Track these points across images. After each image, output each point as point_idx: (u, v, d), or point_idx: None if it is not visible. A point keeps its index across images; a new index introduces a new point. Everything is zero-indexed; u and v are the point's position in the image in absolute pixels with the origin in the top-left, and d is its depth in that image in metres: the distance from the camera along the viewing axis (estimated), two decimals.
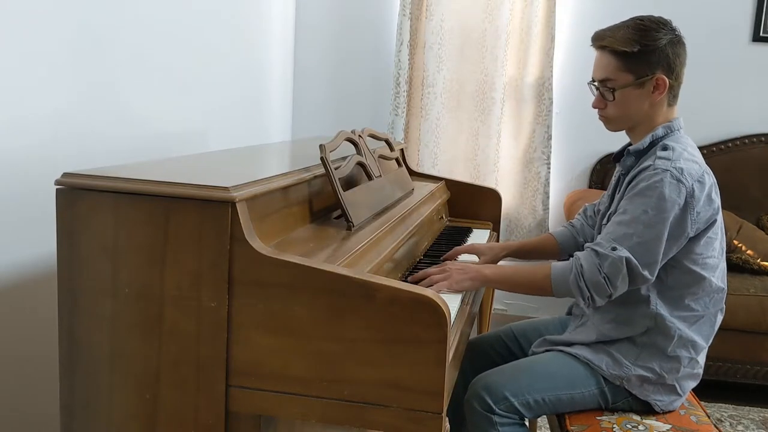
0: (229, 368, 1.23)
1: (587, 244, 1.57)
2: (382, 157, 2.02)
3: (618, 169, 1.78)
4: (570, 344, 1.68)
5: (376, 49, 3.60)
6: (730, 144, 3.40)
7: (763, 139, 3.38)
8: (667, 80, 1.61)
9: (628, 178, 1.62)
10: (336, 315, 1.18)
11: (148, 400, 1.27)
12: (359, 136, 1.82)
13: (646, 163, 1.58)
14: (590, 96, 1.74)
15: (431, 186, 2.40)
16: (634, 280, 1.52)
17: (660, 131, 1.63)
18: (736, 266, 3.02)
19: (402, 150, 2.43)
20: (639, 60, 1.60)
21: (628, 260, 1.49)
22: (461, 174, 3.47)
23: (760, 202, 3.30)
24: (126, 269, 1.25)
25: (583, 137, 3.49)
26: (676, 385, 1.62)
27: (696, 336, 1.61)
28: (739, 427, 2.66)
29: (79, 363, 1.30)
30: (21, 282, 1.77)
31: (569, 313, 1.90)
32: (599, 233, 1.76)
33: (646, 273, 1.51)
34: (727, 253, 3.00)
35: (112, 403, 1.30)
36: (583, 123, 3.46)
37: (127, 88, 2.15)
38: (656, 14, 1.68)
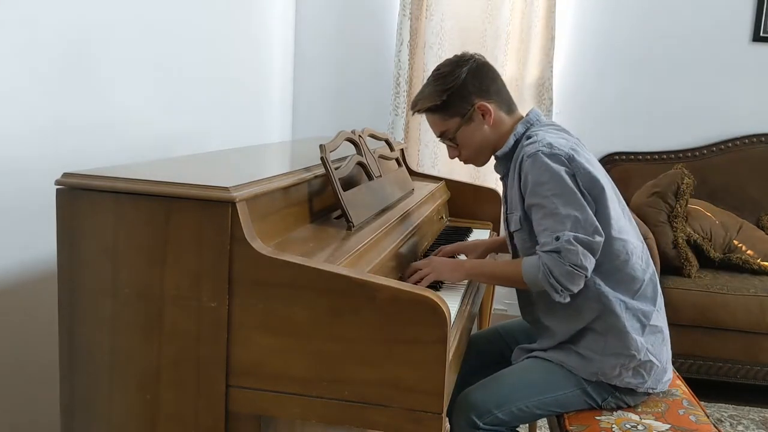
0: (229, 368, 1.23)
1: (538, 248, 1.57)
2: (382, 157, 2.02)
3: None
4: (545, 350, 1.68)
5: (376, 49, 3.60)
6: (730, 144, 3.40)
7: (763, 139, 3.38)
8: (487, 103, 1.69)
9: (512, 179, 1.66)
10: (336, 315, 1.18)
11: (148, 400, 1.27)
12: (359, 136, 1.82)
13: (519, 157, 1.63)
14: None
15: (431, 186, 2.40)
16: (593, 250, 1.52)
17: (520, 128, 1.71)
18: (736, 266, 3.02)
19: (402, 150, 2.43)
20: (453, 103, 1.69)
21: (575, 238, 1.50)
22: (461, 174, 3.46)
23: (760, 202, 3.30)
24: (126, 269, 1.25)
25: (583, 137, 3.42)
26: (652, 359, 1.61)
27: (643, 302, 1.61)
28: (739, 428, 2.66)
29: (79, 363, 1.30)
30: (21, 282, 1.77)
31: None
32: (509, 228, 1.78)
33: (596, 237, 1.52)
34: (726, 253, 3.03)
35: (112, 404, 1.30)
36: (583, 123, 3.45)
37: (127, 88, 2.15)
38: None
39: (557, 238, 1.51)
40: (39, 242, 1.76)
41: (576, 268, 1.51)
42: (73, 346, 1.29)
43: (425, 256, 1.95)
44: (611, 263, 1.59)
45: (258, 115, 3.29)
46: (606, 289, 1.59)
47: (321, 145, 1.54)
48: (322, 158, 1.53)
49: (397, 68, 3.42)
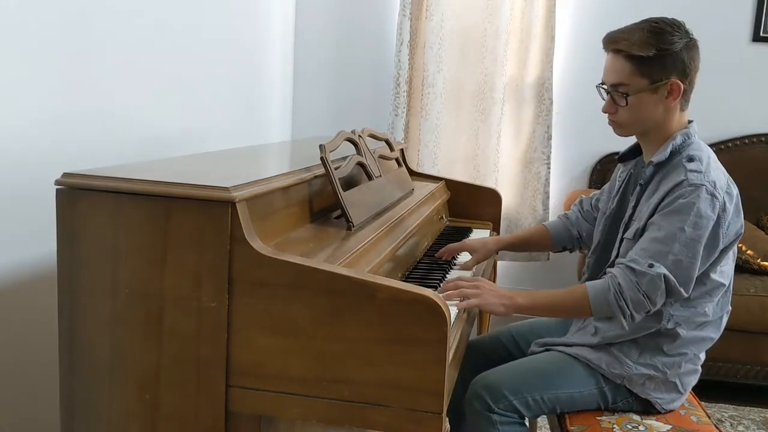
0: (229, 368, 1.23)
1: (621, 260, 1.55)
2: (382, 157, 2.02)
3: (622, 169, 1.76)
4: (570, 345, 1.68)
5: (376, 49, 3.60)
6: (730, 144, 3.40)
7: (763, 139, 3.38)
8: (681, 85, 1.57)
9: (658, 194, 1.56)
10: (336, 315, 1.18)
11: (148, 400, 1.27)
12: (359, 136, 1.82)
13: (677, 177, 1.53)
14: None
15: (431, 186, 2.40)
16: (670, 296, 1.51)
17: (679, 139, 1.59)
18: (736, 266, 3.00)
19: (402, 150, 2.43)
20: (654, 64, 1.55)
21: (666, 277, 1.48)
22: (461, 174, 3.46)
23: (760, 202, 3.30)
24: (126, 269, 1.25)
25: (583, 137, 3.49)
26: (678, 383, 1.61)
27: (702, 336, 1.61)
28: (740, 428, 2.66)
29: (79, 363, 1.30)
30: (21, 282, 1.77)
31: None
32: (602, 235, 1.76)
33: (682, 290, 1.50)
34: None
35: (112, 404, 1.30)
36: (583, 123, 3.46)
37: (128, 89, 2.15)
38: (656, 14, 1.67)
39: (651, 266, 1.49)
40: (39, 242, 1.76)
41: (647, 300, 1.49)
42: (72, 346, 1.29)
43: (425, 256, 1.95)
44: (696, 301, 1.58)
45: (258, 115, 3.28)
46: (677, 323, 1.57)
47: (321, 145, 1.53)
48: (322, 158, 1.53)
49: (397, 68, 3.42)
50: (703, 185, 1.49)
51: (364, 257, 1.45)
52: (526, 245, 2.06)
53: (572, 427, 1.58)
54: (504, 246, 2.00)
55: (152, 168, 1.48)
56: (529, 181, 3.46)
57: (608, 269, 1.59)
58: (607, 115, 1.65)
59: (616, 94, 1.61)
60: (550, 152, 3.42)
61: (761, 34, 3.35)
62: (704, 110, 3.47)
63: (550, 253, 2.92)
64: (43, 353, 1.74)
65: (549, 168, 3.42)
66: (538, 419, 2.28)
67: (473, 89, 3.48)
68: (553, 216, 3.52)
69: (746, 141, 3.39)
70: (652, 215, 1.55)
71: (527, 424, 1.65)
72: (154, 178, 1.26)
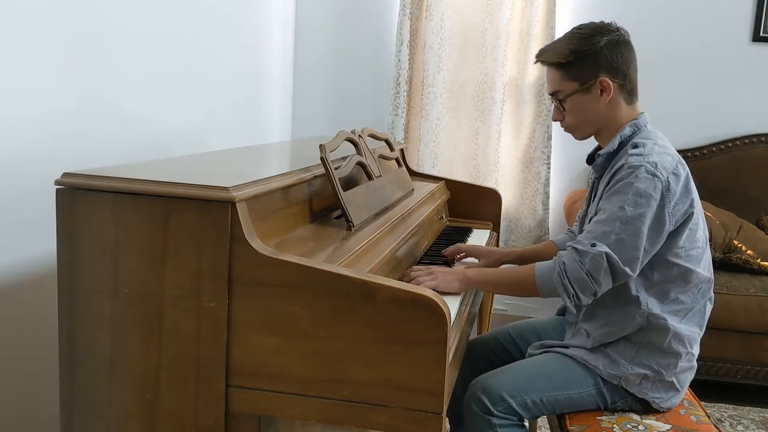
0: (229, 368, 1.23)
1: (568, 243, 1.59)
2: (382, 157, 2.02)
3: (592, 173, 1.79)
4: (567, 346, 1.68)
5: (376, 49, 3.60)
6: (730, 144, 3.40)
7: (763, 139, 3.38)
8: (611, 82, 1.62)
9: (604, 181, 1.63)
10: (336, 315, 1.18)
11: (148, 400, 1.27)
12: (359, 136, 1.82)
13: (619, 163, 1.59)
14: None
15: (431, 186, 2.40)
16: (616, 276, 1.52)
17: (627, 130, 1.65)
18: (736, 266, 3.02)
19: (402, 150, 2.43)
20: (579, 67, 1.63)
21: (608, 255, 1.50)
22: (461, 174, 3.47)
23: (760, 202, 3.30)
24: (126, 269, 1.25)
25: None
26: (675, 381, 1.62)
27: (688, 329, 1.62)
28: (739, 427, 2.66)
29: (79, 363, 1.30)
30: (21, 282, 1.77)
31: (561, 313, 1.90)
32: (578, 231, 1.79)
33: (627, 269, 1.51)
34: (726, 253, 3.03)
35: (112, 403, 1.30)
36: None
37: (127, 88, 2.15)
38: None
39: (593, 245, 1.51)
40: (39, 242, 1.76)
41: (591, 279, 1.51)
42: (72, 345, 1.29)
43: (425, 255, 1.95)
44: (666, 286, 1.59)
45: (258, 115, 3.28)
46: (656, 310, 1.59)
47: (321, 145, 1.53)
48: (322, 158, 1.53)
49: (397, 68, 3.42)
50: (641, 166, 1.53)
51: (364, 257, 1.45)
52: (534, 260, 2.05)
53: (572, 427, 1.58)
54: (512, 260, 1.99)
55: (152, 168, 1.48)
56: (529, 181, 3.46)
57: (558, 252, 1.60)
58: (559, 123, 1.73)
59: (556, 102, 1.70)
60: (550, 152, 3.42)
61: (761, 34, 3.36)
62: (704, 110, 3.50)
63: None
64: (43, 353, 1.74)
65: (549, 168, 3.42)
66: (538, 419, 2.28)
67: (473, 89, 3.48)
68: (552, 216, 3.53)
69: (746, 141, 3.39)
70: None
71: (527, 425, 1.65)
72: (154, 178, 1.26)
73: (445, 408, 1.18)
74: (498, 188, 3.15)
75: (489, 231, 2.45)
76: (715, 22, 3.36)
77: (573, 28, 1.69)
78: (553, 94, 1.70)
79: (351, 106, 3.64)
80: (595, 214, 1.60)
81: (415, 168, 3.03)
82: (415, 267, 1.71)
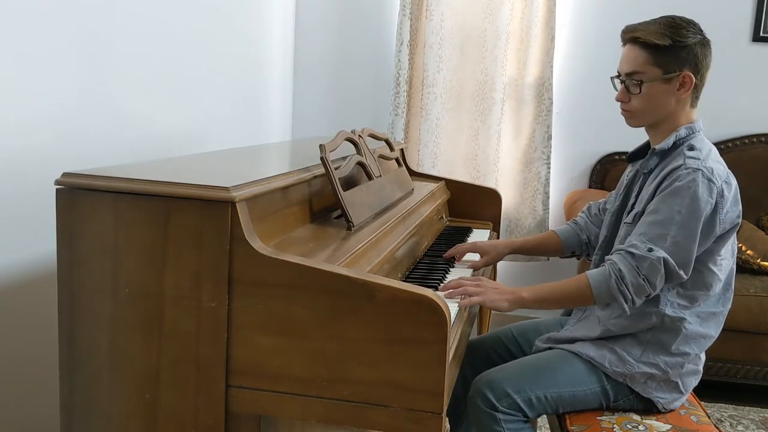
0: (229, 368, 1.23)
1: (620, 246, 1.57)
2: (382, 157, 2.02)
3: (630, 168, 1.78)
4: (573, 341, 1.68)
5: (376, 49, 3.60)
6: (730, 144, 3.40)
7: (763, 139, 3.38)
8: (693, 78, 1.62)
9: (657, 179, 1.60)
10: (336, 315, 1.18)
11: (148, 400, 1.27)
12: (359, 136, 1.82)
13: (675, 163, 1.58)
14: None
15: (431, 186, 2.40)
16: (670, 279, 1.53)
17: (683, 132, 1.64)
18: (736, 266, 3.01)
19: (402, 150, 2.43)
20: (669, 55, 1.60)
21: (665, 260, 1.50)
22: (461, 174, 3.46)
23: (760, 202, 3.30)
24: (126, 269, 1.25)
25: (583, 137, 3.49)
26: (679, 382, 1.62)
27: (704, 332, 1.62)
28: (739, 427, 2.66)
29: (79, 363, 1.30)
30: (21, 282, 1.77)
31: (567, 313, 1.90)
32: (608, 230, 1.76)
33: (681, 272, 1.52)
34: None
35: (112, 403, 1.30)
36: (583, 123, 3.46)
37: (127, 88, 2.15)
38: (657, 14, 1.68)
39: (650, 250, 1.51)
40: (39, 242, 1.76)
41: (648, 284, 1.51)
42: (72, 345, 1.29)
43: (425, 255, 1.95)
44: (694, 290, 1.60)
45: (258, 115, 3.28)
46: (676, 312, 1.59)
47: (321, 145, 1.53)
48: (322, 158, 1.53)
49: (397, 68, 3.42)
50: (699, 170, 1.53)
51: (364, 257, 1.45)
52: (536, 250, 2.06)
53: (572, 427, 1.58)
54: (515, 249, 1.99)
55: (152, 168, 1.48)
56: (529, 181, 3.46)
57: (607, 257, 1.59)
58: (620, 105, 1.69)
59: (630, 83, 1.65)
60: (550, 152, 3.42)
61: (761, 34, 3.36)
62: (704, 110, 3.47)
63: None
64: (42, 353, 1.74)
65: (549, 168, 3.42)
66: (538, 419, 2.28)
67: (473, 89, 3.48)
68: (553, 216, 3.52)
69: (746, 141, 3.39)
70: (650, 200, 1.59)
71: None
72: (154, 178, 1.26)
73: (445, 408, 1.18)
74: (498, 188, 3.15)
75: (489, 231, 2.45)
76: (715, 22, 3.33)
77: (665, 17, 1.64)
78: (629, 75, 1.64)
79: (351, 106, 3.64)
80: (642, 211, 1.59)
81: (415, 168, 3.03)
82: (464, 276, 1.67)
